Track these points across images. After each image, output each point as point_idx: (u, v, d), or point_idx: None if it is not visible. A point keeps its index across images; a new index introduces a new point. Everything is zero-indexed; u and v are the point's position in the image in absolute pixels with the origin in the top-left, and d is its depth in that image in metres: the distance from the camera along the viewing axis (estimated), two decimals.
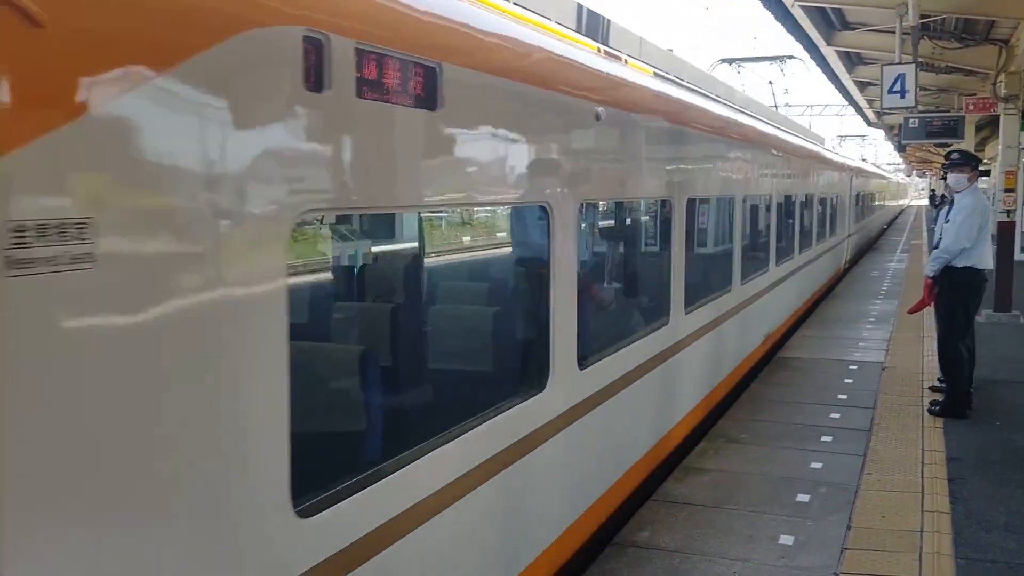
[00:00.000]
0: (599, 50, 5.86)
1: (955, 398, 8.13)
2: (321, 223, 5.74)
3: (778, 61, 22.75)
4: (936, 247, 8.21)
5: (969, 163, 8.26)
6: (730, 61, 21.18)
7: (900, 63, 13.15)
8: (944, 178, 9.12)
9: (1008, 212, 13.82)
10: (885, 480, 6.45)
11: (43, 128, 1.86)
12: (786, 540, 5.41)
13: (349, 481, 3.02)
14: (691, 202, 7.19)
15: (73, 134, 1.92)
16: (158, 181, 2.16)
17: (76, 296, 1.94)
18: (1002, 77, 14.61)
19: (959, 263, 7.90)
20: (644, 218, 7.48)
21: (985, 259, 8.08)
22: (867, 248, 28.48)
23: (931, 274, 8.09)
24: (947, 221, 8.11)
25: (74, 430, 1.96)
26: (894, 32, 13.41)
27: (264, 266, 2.51)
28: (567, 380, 4.73)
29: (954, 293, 8.01)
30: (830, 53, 17.86)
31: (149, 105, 2.10)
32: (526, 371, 4.69)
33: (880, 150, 65.74)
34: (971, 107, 15.84)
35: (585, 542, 5.19)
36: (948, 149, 10.46)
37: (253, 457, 2.50)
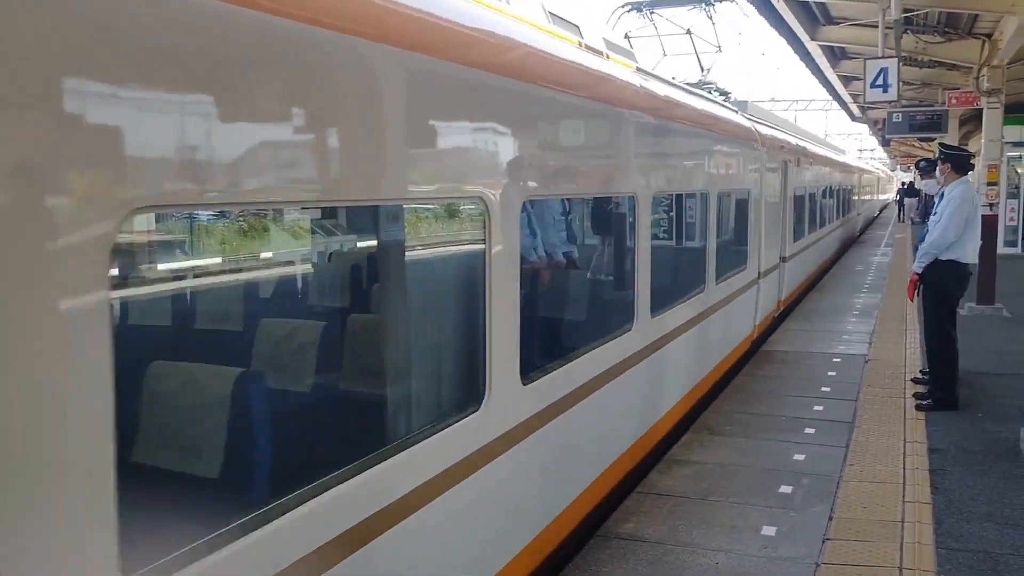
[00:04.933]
0: None
1: (946, 391, 8.14)
2: None
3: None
4: (922, 241, 8.21)
5: (951, 159, 8.28)
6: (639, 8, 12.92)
7: (883, 57, 13.21)
8: (921, 171, 9.19)
9: (991, 206, 13.91)
10: (867, 471, 6.49)
11: None
12: (768, 531, 5.44)
13: None
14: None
15: None
16: None
17: None
18: (985, 71, 14.69)
19: (944, 256, 7.92)
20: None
21: (969, 253, 8.07)
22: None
23: (919, 270, 8.06)
24: (934, 214, 8.11)
25: None
26: (877, 26, 13.46)
27: None
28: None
29: (938, 286, 8.05)
30: (814, 48, 17.92)
31: None
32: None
33: (865, 143, 66.06)
34: (954, 101, 15.91)
35: None
36: (939, 143, 10.48)
37: None
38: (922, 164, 10.31)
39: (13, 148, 1.91)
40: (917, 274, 8.08)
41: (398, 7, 3.46)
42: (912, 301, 8.63)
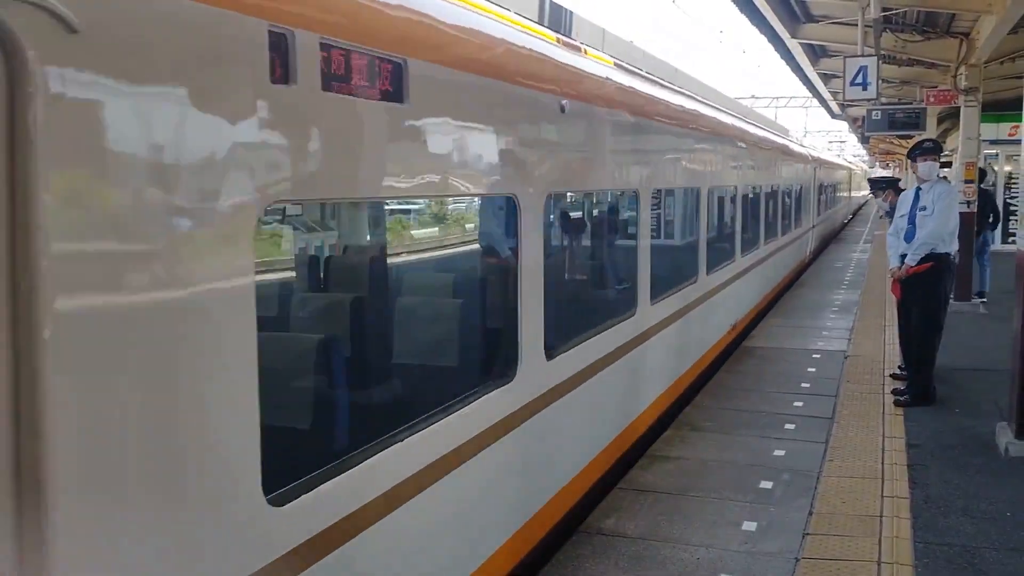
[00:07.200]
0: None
1: (926, 385, 8.21)
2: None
3: None
4: (908, 239, 8.15)
5: (937, 151, 8.42)
6: None
7: (862, 55, 13.28)
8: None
9: (968, 203, 14.02)
10: (846, 466, 6.54)
11: None
12: (749, 526, 5.47)
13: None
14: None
15: None
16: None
17: None
18: (963, 69, 14.81)
19: (941, 249, 7.95)
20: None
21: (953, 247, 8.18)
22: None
23: (913, 263, 8.01)
24: (922, 209, 8.07)
25: None
26: (857, 25, 13.53)
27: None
28: None
29: (938, 279, 8.06)
30: (795, 46, 17.97)
31: None
32: None
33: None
34: (932, 99, 16.02)
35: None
36: (922, 138, 10.48)
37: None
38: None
39: None
40: (911, 267, 8.02)
41: None
42: (898, 298, 8.58)
